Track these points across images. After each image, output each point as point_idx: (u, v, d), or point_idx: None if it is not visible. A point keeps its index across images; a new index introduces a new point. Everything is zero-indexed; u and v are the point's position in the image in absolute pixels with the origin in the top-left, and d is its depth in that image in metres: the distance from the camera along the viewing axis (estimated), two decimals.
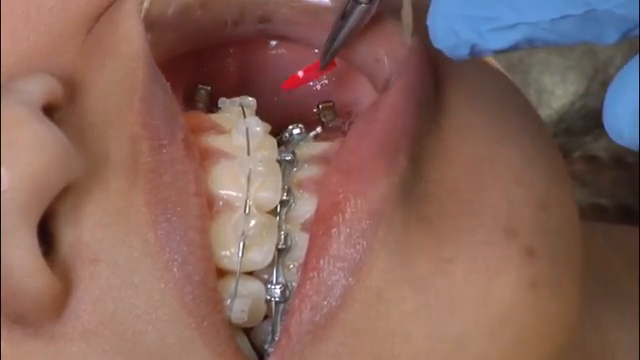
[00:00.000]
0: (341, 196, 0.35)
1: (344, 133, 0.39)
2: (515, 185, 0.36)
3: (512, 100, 0.39)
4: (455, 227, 0.35)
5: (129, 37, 0.36)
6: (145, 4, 0.36)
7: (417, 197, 0.35)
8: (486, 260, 0.35)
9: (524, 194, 0.36)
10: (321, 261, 0.34)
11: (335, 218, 0.35)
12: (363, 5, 0.36)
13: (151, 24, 0.37)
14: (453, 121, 0.37)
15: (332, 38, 0.38)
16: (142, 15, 0.36)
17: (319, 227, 0.35)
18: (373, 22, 0.38)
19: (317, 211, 0.36)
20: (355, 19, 0.37)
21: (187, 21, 0.38)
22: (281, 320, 0.36)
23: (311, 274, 0.34)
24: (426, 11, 0.33)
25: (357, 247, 0.34)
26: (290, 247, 0.37)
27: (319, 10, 0.39)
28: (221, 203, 0.36)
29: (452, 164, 0.36)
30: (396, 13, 0.38)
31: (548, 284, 0.35)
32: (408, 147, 0.36)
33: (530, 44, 0.32)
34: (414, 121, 0.36)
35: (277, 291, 0.36)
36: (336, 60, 0.39)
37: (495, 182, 0.36)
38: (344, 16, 0.37)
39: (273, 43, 0.42)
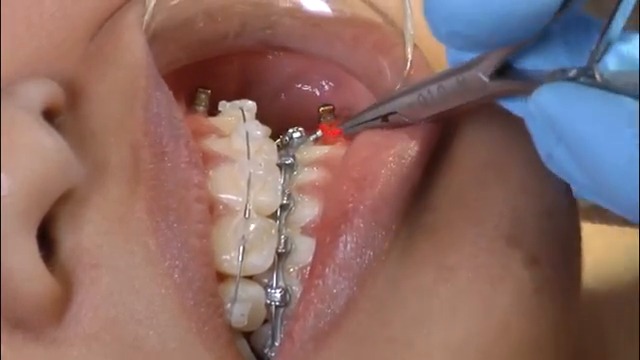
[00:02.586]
0: (350, 205, 0.35)
1: (345, 137, 0.39)
2: (520, 193, 0.36)
3: None
4: (458, 235, 0.35)
5: (131, 47, 0.36)
6: (146, 17, 0.36)
7: (422, 206, 0.36)
8: (489, 268, 0.35)
9: (529, 202, 0.36)
10: (327, 269, 0.34)
11: (343, 227, 0.35)
12: (405, 119, 0.36)
13: (153, 37, 0.37)
14: (460, 129, 0.37)
15: (362, 118, 0.37)
16: (144, 27, 0.36)
17: (326, 234, 0.35)
18: (375, 34, 0.38)
19: (324, 217, 0.36)
20: (393, 124, 0.36)
21: (189, 33, 0.38)
22: (281, 324, 0.36)
23: (316, 281, 0.34)
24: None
25: (363, 257, 0.34)
26: (290, 251, 0.37)
27: (320, 21, 0.39)
28: (221, 207, 0.36)
29: (458, 172, 0.36)
30: (399, 27, 0.38)
31: (551, 292, 0.35)
32: (424, 162, 0.36)
33: None
34: (434, 139, 0.36)
35: (277, 295, 0.36)
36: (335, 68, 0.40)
37: (500, 190, 0.36)
38: (385, 118, 0.37)
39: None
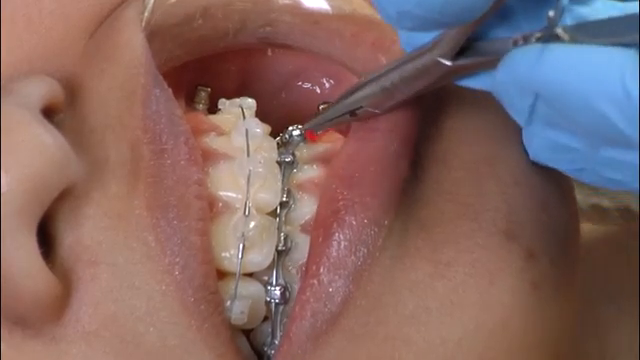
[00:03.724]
0: (341, 203, 0.35)
1: (343, 133, 0.39)
2: (514, 187, 0.36)
3: None
4: (454, 231, 0.35)
5: (130, 44, 0.36)
6: (146, 14, 0.37)
7: (415, 201, 0.36)
8: (486, 264, 0.35)
9: (523, 196, 0.36)
10: (321, 268, 0.34)
11: (335, 225, 0.35)
12: (375, 111, 0.36)
13: (152, 34, 0.37)
14: (452, 123, 0.37)
15: (327, 116, 0.37)
16: (143, 24, 0.36)
17: (319, 233, 0.35)
18: (375, 31, 0.38)
19: (317, 216, 0.36)
20: (362, 116, 0.36)
21: (188, 30, 0.38)
22: (281, 322, 0.36)
23: (311, 281, 0.34)
24: None
25: (358, 254, 0.34)
26: (290, 249, 0.37)
27: (320, 18, 0.39)
28: (221, 204, 0.36)
29: (451, 167, 0.36)
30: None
31: (549, 286, 0.35)
32: (408, 153, 0.36)
33: None
34: (414, 128, 0.36)
35: (277, 293, 0.36)
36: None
37: (494, 184, 0.36)
38: (352, 113, 0.36)
39: None
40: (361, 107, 0.36)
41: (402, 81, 0.34)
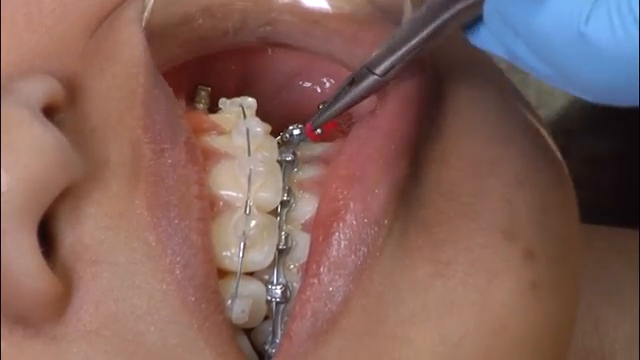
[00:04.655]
0: (341, 202, 0.35)
1: (344, 133, 0.39)
2: (515, 187, 0.36)
3: (512, 101, 0.39)
4: (453, 230, 0.35)
5: (130, 43, 0.36)
6: (146, 13, 0.37)
7: (415, 200, 0.36)
8: (485, 263, 0.35)
9: (524, 196, 0.36)
10: (322, 267, 0.34)
11: (335, 225, 0.35)
12: (377, 77, 0.36)
13: (152, 33, 0.37)
14: (453, 123, 0.37)
15: (334, 100, 0.37)
16: (143, 24, 0.36)
17: (319, 232, 0.35)
18: (375, 30, 0.38)
19: (317, 216, 0.36)
20: (364, 88, 0.36)
21: (188, 29, 0.38)
22: (282, 320, 0.36)
23: (311, 280, 0.34)
24: None
25: (358, 254, 0.34)
26: (291, 248, 0.37)
27: (320, 18, 0.39)
28: (221, 203, 0.36)
29: (451, 167, 0.36)
30: (396, 18, 0.38)
31: (548, 286, 0.35)
32: (408, 153, 0.36)
33: None
34: (414, 127, 0.36)
35: (278, 292, 0.36)
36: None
37: (495, 184, 0.36)
38: (353, 82, 0.36)
39: None
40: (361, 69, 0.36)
41: (405, 30, 0.34)
